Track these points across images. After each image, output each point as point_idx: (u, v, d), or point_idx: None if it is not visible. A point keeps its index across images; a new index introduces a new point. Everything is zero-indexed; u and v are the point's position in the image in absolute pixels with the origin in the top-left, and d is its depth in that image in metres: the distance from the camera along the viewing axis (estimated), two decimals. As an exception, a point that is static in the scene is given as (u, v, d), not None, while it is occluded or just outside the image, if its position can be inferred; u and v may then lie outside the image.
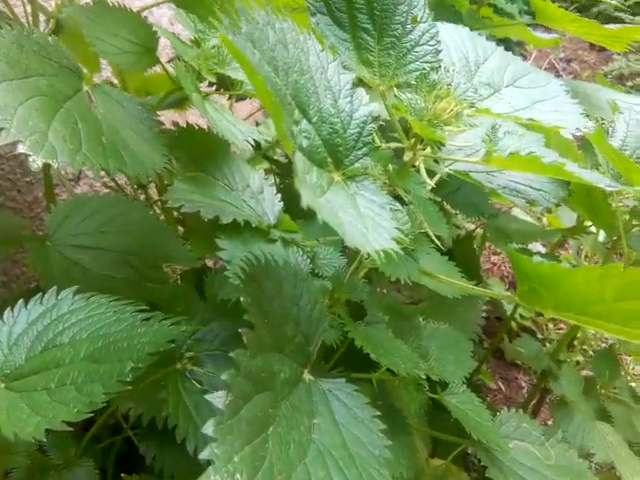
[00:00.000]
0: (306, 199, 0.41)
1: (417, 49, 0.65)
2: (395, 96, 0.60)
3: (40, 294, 0.66)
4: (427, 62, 0.64)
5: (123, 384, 0.58)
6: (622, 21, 1.74)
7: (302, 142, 0.51)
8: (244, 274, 0.56)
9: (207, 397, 0.44)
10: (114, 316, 0.66)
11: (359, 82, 0.61)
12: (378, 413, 0.60)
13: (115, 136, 0.70)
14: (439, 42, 0.65)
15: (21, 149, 0.60)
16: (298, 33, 0.55)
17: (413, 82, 0.62)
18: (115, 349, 0.61)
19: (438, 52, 0.65)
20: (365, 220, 0.49)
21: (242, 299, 0.53)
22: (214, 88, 1.03)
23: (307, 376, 0.58)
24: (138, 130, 0.75)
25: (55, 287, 0.67)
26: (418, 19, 0.65)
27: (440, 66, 0.64)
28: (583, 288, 0.53)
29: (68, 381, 0.58)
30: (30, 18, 0.94)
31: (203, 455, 0.41)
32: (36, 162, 0.60)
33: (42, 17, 0.98)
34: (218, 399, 0.45)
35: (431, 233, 0.69)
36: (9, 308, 0.64)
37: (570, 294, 0.56)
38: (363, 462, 0.54)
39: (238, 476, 0.41)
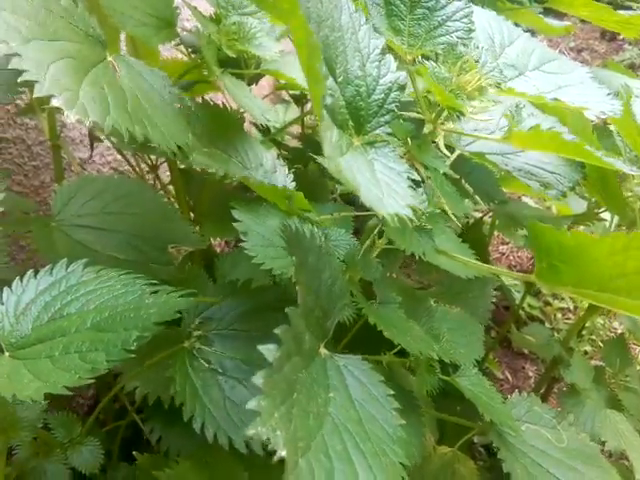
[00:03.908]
0: (327, 153, 0.40)
1: (449, 24, 0.64)
2: (419, 62, 0.59)
3: (50, 265, 0.65)
4: (458, 38, 0.63)
5: (127, 352, 0.58)
6: (632, 9, 1.72)
7: (326, 99, 0.50)
8: (286, 237, 0.56)
9: (259, 347, 0.44)
10: (123, 289, 0.65)
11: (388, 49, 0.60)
12: (392, 392, 0.59)
13: (138, 106, 0.69)
14: (472, 22, 0.64)
15: (55, 102, 0.60)
16: (334, -11, 0.54)
17: (440, 52, 0.61)
18: (121, 319, 0.61)
19: (470, 31, 0.64)
20: (381, 185, 0.48)
21: (292, 259, 0.52)
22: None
23: (323, 350, 0.57)
24: (160, 104, 0.74)
25: (65, 259, 0.66)
26: (454, -4, 0.64)
27: (469, 43, 0.64)
28: (606, 260, 0.52)
29: (72, 349, 0.58)
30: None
31: (250, 405, 0.41)
32: (69, 117, 0.60)
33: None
34: (269, 351, 0.44)
35: (449, 211, 0.68)
36: (17, 278, 0.63)
37: (592, 267, 0.54)
38: (377, 439, 0.54)
39: (278, 432, 0.41)
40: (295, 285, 0.52)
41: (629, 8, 1.79)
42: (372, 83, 0.57)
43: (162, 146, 0.70)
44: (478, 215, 1.60)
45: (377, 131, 0.56)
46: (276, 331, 0.46)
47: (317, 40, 0.42)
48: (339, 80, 0.54)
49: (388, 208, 0.45)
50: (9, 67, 0.59)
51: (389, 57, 0.59)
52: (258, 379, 0.42)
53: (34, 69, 0.60)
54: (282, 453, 0.40)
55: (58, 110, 1.06)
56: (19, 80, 0.59)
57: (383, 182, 0.49)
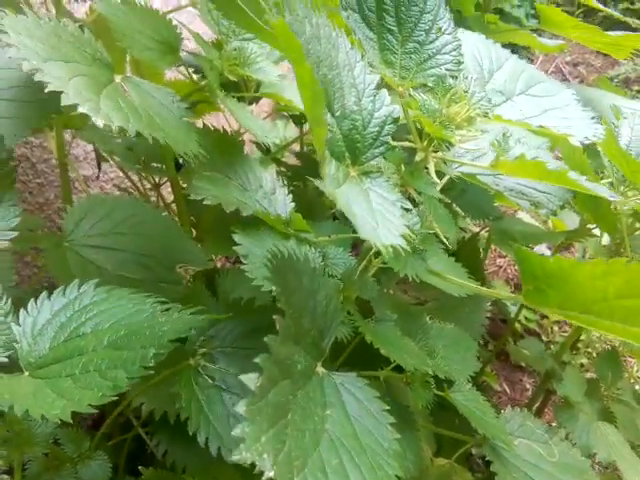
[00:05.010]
0: (329, 187, 0.43)
1: (438, 57, 0.68)
2: (410, 95, 0.62)
3: (62, 287, 0.68)
4: (447, 70, 0.66)
5: (145, 369, 0.60)
6: (629, 26, 1.74)
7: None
8: (272, 265, 0.57)
9: (241, 377, 0.46)
10: (134, 307, 0.67)
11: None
12: (387, 407, 0.62)
13: (151, 120, 0.73)
14: (461, 55, 0.67)
15: (81, 109, 0.64)
16: (331, 29, 0.58)
17: (430, 85, 0.65)
18: (137, 337, 0.63)
19: (459, 63, 0.67)
20: (376, 215, 0.51)
21: (273, 288, 0.54)
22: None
23: (320, 369, 0.59)
24: (170, 117, 0.77)
25: (77, 280, 0.69)
26: (442, 31, 0.68)
27: (459, 75, 0.67)
28: (587, 285, 0.55)
29: (92, 368, 0.60)
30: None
31: (235, 433, 0.43)
32: (97, 121, 0.64)
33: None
34: (250, 380, 0.46)
35: (440, 234, 0.71)
36: (32, 300, 0.66)
37: (575, 291, 0.57)
38: (373, 453, 0.56)
39: (265, 456, 0.43)
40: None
41: (625, 24, 1.81)
42: (367, 117, 0.61)
43: (179, 152, 0.74)
44: (476, 229, 1.62)
45: (372, 162, 0.59)
46: (256, 360, 0.48)
47: (320, 87, 0.45)
48: (337, 115, 0.58)
49: (383, 239, 0.48)
50: (35, 81, 0.64)
51: (383, 92, 0.62)
52: (241, 407, 0.45)
53: (56, 82, 0.64)
54: (270, 474, 0.43)
55: (66, 129, 1.10)
56: (45, 91, 0.63)
57: (378, 212, 0.52)
